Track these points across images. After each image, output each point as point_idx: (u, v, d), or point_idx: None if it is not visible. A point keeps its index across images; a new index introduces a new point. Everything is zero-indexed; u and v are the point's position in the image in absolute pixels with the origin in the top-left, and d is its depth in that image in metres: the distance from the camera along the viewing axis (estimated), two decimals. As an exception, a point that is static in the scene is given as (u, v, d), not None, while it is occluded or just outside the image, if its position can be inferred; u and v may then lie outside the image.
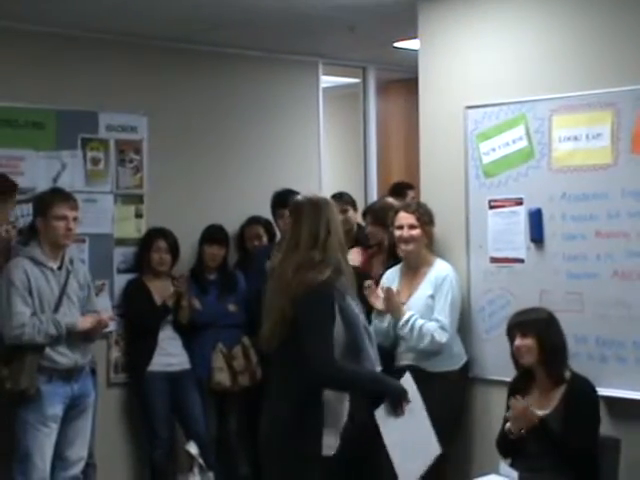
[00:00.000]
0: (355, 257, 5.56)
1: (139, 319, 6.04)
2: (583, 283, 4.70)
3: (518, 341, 4.37)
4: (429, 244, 5.11)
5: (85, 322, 5.00)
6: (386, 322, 4.95)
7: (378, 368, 3.94)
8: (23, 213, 5.51)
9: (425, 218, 5.04)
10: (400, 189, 7.03)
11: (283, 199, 5.92)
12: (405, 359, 5.00)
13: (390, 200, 5.96)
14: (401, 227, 5.00)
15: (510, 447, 4.41)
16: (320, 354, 3.61)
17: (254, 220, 6.49)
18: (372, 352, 3.87)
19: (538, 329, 4.35)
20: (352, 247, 5.80)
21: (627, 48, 4.56)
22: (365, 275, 5.41)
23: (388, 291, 4.90)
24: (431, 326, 4.85)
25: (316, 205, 3.76)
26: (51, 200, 4.98)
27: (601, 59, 4.66)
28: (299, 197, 3.85)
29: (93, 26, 5.92)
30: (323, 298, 3.67)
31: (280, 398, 3.73)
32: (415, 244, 4.99)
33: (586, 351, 4.59)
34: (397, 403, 3.83)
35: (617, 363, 4.57)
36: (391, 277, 5.13)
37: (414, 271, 5.05)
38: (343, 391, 3.78)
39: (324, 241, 3.69)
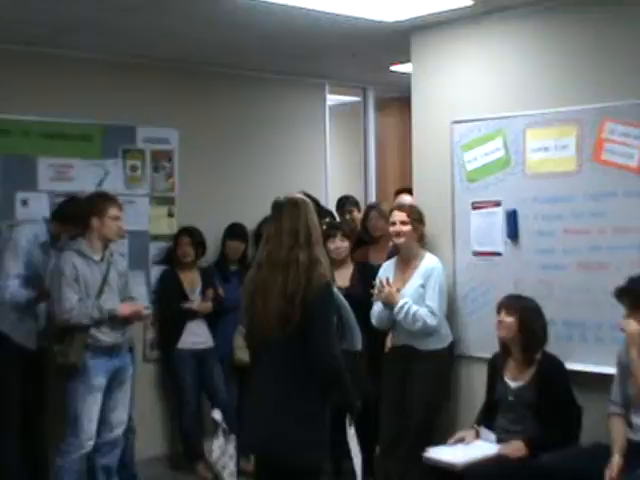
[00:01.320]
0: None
1: (170, 304, 6.03)
2: (552, 273, 4.69)
3: (501, 316, 4.40)
4: (420, 240, 5.07)
5: (124, 310, 4.96)
6: (386, 310, 4.92)
7: (359, 345, 3.85)
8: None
9: (415, 216, 5.00)
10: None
11: None
12: (401, 339, 4.97)
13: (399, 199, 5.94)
14: (394, 223, 4.97)
15: (490, 415, 4.48)
16: (331, 351, 3.41)
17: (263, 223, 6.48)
18: (357, 330, 3.81)
19: (521, 312, 4.37)
20: (357, 241, 5.85)
21: (589, 72, 4.56)
22: (367, 265, 5.50)
23: (381, 283, 4.89)
24: (423, 311, 4.81)
25: (295, 204, 3.53)
26: (107, 203, 4.98)
27: (567, 81, 4.65)
28: (280, 197, 3.60)
29: (131, 52, 5.92)
30: (331, 298, 3.50)
31: (285, 412, 3.42)
32: (405, 237, 4.94)
33: (554, 332, 4.54)
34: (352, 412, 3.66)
35: (580, 342, 4.57)
36: (387, 269, 5.08)
37: (407, 263, 5.00)
38: (335, 385, 3.50)
39: (307, 237, 3.46)
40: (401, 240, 4.97)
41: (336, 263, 5.38)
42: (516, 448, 4.20)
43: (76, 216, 5.09)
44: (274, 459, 3.48)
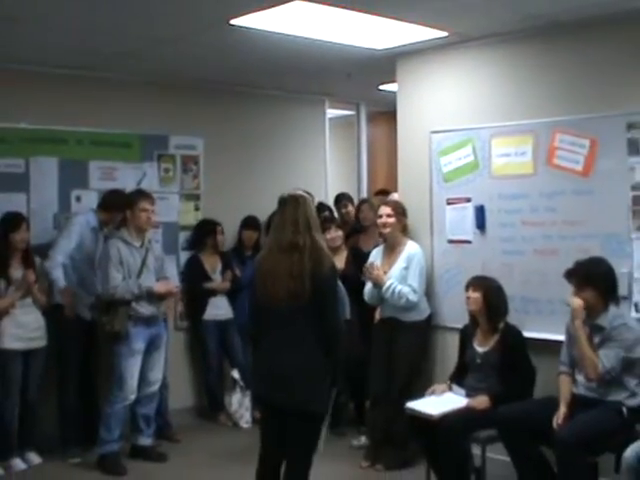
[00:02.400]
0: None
1: (195, 284, 6.02)
2: (512, 258, 4.69)
3: (469, 293, 4.40)
4: (404, 231, 5.02)
5: (160, 287, 4.97)
6: (375, 289, 4.91)
7: (348, 314, 3.84)
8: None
9: (399, 210, 4.98)
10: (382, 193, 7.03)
11: None
12: (386, 312, 4.96)
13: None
14: (381, 216, 4.96)
15: (460, 375, 4.48)
16: (337, 320, 3.52)
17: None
18: (346, 303, 3.82)
19: (485, 289, 4.37)
20: (351, 230, 5.86)
21: (543, 91, 4.57)
22: (359, 251, 5.48)
23: (370, 266, 4.87)
24: (406, 289, 4.79)
25: (296, 199, 3.56)
26: (137, 198, 4.98)
27: (526, 99, 4.65)
28: (284, 193, 3.61)
29: (166, 75, 5.90)
30: (336, 277, 3.56)
31: (296, 369, 3.43)
32: (390, 228, 4.92)
33: (514, 306, 4.54)
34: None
35: (536, 314, 4.59)
36: (376, 254, 5.04)
37: (392, 250, 4.97)
38: (335, 346, 3.51)
39: (306, 224, 3.48)
40: (387, 230, 4.96)
41: (332, 250, 5.38)
42: (481, 401, 4.20)
43: (116, 205, 5.09)
44: (288, 407, 3.45)
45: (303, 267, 3.41)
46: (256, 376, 3.61)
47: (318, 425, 3.52)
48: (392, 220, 4.94)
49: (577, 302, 3.92)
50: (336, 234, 5.52)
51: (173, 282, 5.37)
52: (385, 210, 4.98)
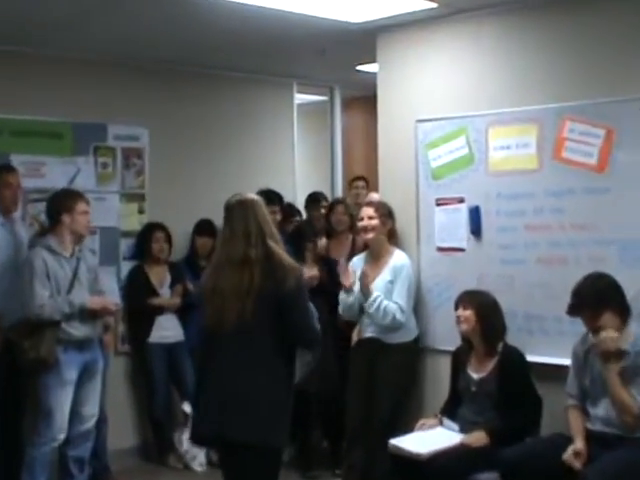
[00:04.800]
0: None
1: (138, 300, 6.00)
2: (513, 268, 4.71)
3: (459, 311, 4.43)
4: (391, 237, 5.07)
5: (94, 303, 4.94)
6: (352, 297, 4.93)
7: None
8: (44, 209, 5.45)
9: (383, 211, 4.99)
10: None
11: (265, 197, 5.94)
12: (368, 332, 4.97)
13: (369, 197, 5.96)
14: (362, 219, 4.98)
15: (453, 406, 4.50)
16: (313, 332, 3.60)
17: None
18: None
19: (478, 305, 4.39)
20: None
21: (549, 71, 4.59)
22: (330, 261, 5.48)
23: (364, 273, 4.87)
24: (393, 307, 4.81)
25: (244, 205, 3.61)
26: (75, 199, 4.97)
27: (528, 81, 4.67)
28: (231, 199, 3.67)
29: (101, 51, 5.89)
30: (302, 282, 3.63)
31: (253, 398, 3.50)
32: (373, 232, 4.93)
33: (515, 325, 4.57)
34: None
35: (541, 334, 4.59)
36: (357, 263, 5.07)
37: (377, 259, 4.99)
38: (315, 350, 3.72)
39: (258, 234, 3.54)
40: (369, 235, 4.97)
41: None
42: (478, 438, 4.21)
43: (53, 209, 5.05)
44: (242, 442, 3.50)
45: (255, 283, 3.49)
46: (202, 409, 3.62)
47: (276, 462, 3.61)
48: (375, 223, 4.95)
49: (610, 336, 3.87)
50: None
51: (110, 297, 5.35)
52: (366, 211, 5.00)
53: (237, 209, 3.61)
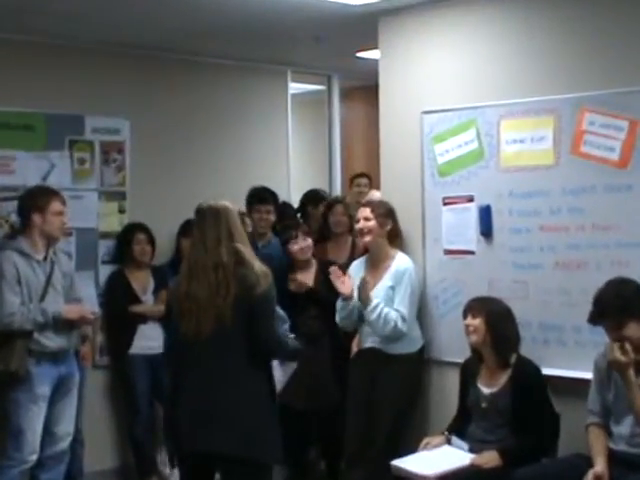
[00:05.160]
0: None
1: (119, 308, 5.99)
2: (527, 273, 4.70)
3: (468, 320, 4.43)
4: (391, 238, 5.06)
5: (70, 313, 4.92)
6: (350, 305, 4.94)
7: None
8: (15, 209, 5.42)
9: (380, 211, 4.99)
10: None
11: (258, 195, 5.92)
12: (368, 342, 4.98)
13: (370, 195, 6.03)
14: (358, 220, 5.01)
15: (462, 423, 4.49)
16: (275, 342, 3.89)
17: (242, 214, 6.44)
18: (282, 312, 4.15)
19: (488, 313, 4.39)
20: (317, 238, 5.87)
21: (567, 59, 4.58)
22: (331, 263, 5.40)
23: (363, 280, 4.87)
24: (393, 314, 4.82)
25: (216, 213, 3.86)
26: (48, 198, 4.94)
27: (543, 69, 4.67)
28: (202, 204, 3.93)
29: (79, 36, 5.89)
30: (271, 291, 3.86)
31: (239, 410, 3.73)
32: (370, 235, 4.95)
33: (530, 335, 4.57)
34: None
35: (558, 346, 4.59)
36: (357, 268, 5.09)
37: (377, 263, 5.01)
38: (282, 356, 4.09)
39: (229, 241, 3.81)
40: (367, 238, 4.98)
41: (299, 264, 5.49)
42: (490, 459, 4.19)
43: (23, 209, 5.06)
44: (232, 457, 3.69)
45: (230, 289, 3.73)
46: (179, 421, 3.80)
47: (263, 478, 3.79)
48: (371, 224, 4.97)
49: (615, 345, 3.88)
50: (305, 244, 5.51)
51: (88, 306, 5.34)
52: (362, 213, 5.03)
53: (209, 214, 3.86)
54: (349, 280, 4.92)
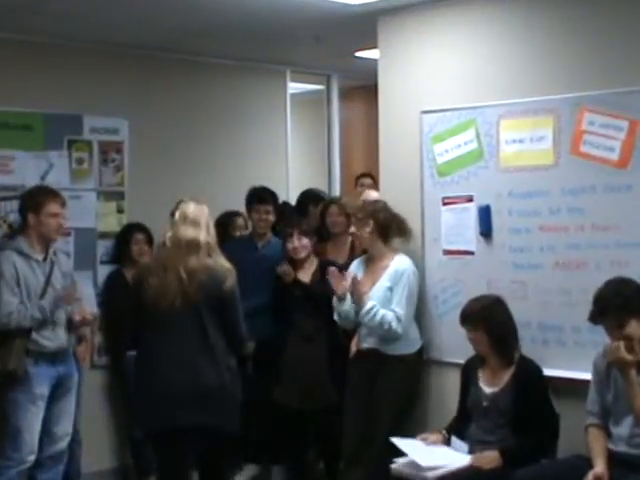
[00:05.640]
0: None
1: (117, 308, 5.87)
2: (527, 273, 4.70)
3: (469, 334, 4.41)
4: (384, 236, 5.01)
5: (73, 314, 4.96)
6: (346, 305, 4.93)
7: None
8: (14, 209, 5.45)
9: (359, 215, 5.00)
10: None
11: (257, 195, 5.89)
12: (367, 343, 4.98)
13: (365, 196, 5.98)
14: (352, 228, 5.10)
15: (462, 423, 4.48)
16: (241, 333, 4.38)
17: (234, 214, 6.42)
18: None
19: (484, 321, 4.36)
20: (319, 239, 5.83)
21: (567, 59, 4.58)
22: (331, 263, 5.40)
23: (354, 280, 4.88)
24: (389, 316, 4.81)
25: (199, 207, 4.39)
26: (44, 198, 4.92)
27: (543, 69, 4.66)
28: (183, 200, 4.48)
29: (78, 35, 5.88)
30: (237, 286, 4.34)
31: (211, 380, 4.20)
32: (359, 239, 5.05)
33: (529, 335, 4.57)
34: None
35: (557, 346, 4.58)
36: (356, 267, 5.09)
37: (376, 263, 5.01)
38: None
39: (207, 227, 4.33)
40: (364, 245, 5.08)
41: (297, 262, 5.45)
42: (490, 459, 4.18)
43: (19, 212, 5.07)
44: (221, 430, 4.23)
45: (202, 264, 4.22)
46: (153, 394, 4.22)
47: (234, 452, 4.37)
48: (353, 230, 5.06)
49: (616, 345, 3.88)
50: (299, 243, 5.47)
51: (88, 306, 5.34)
52: (353, 221, 5.11)
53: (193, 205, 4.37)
54: (345, 281, 4.91)
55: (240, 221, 6.30)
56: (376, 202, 5.17)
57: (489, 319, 4.37)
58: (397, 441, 4.41)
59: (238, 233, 6.25)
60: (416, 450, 4.32)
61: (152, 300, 4.17)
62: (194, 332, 4.18)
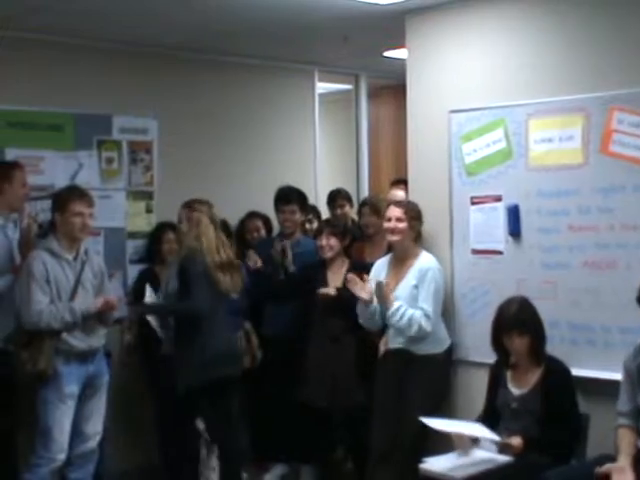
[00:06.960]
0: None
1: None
2: (556, 273, 4.70)
3: (513, 340, 4.32)
4: (416, 239, 5.05)
5: (97, 302, 4.92)
6: (372, 307, 4.93)
7: None
8: (43, 208, 5.51)
9: (412, 214, 4.99)
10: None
11: (282, 195, 5.90)
12: (395, 343, 4.98)
13: (391, 195, 6.00)
14: (390, 219, 4.97)
15: (488, 423, 4.42)
16: (197, 306, 5.07)
17: (253, 215, 6.45)
18: None
19: (534, 326, 4.34)
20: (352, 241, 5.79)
21: (596, 58, 4.57)
22: (361, 264, 5.44)
23: (379, 285, 4.86)
24: (418, 314, 4.80)
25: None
26: (68, 198, 4.91)
27: (573, 68, 4.66)
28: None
29: (107, 36, 5.92)
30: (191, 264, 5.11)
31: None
32: (400, 235, 4.94)
33: (559, 335, 4.58)
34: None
35: (587, 346, 4.58)
36: (380, 267, 5.09)
37: (401, 262, 5.00)
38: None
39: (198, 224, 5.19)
40: (395, 238, 4.98)
41: (327, 262, 5.43)
42: (517, 442, 4.18)
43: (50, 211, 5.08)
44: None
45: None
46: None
47: None
48: (403, 226, 4.97)
49: None
50: (326, 242, 5.44)
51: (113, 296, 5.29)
52: (394, 212, 5.01)
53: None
54: (368, 284, 4.90)
55: (258, 224, 6.34)
56: (417, 205, 5.13)
57: (538, 324, 4.36)
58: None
59: (254, 235, 6.30)
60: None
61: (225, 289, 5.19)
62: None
